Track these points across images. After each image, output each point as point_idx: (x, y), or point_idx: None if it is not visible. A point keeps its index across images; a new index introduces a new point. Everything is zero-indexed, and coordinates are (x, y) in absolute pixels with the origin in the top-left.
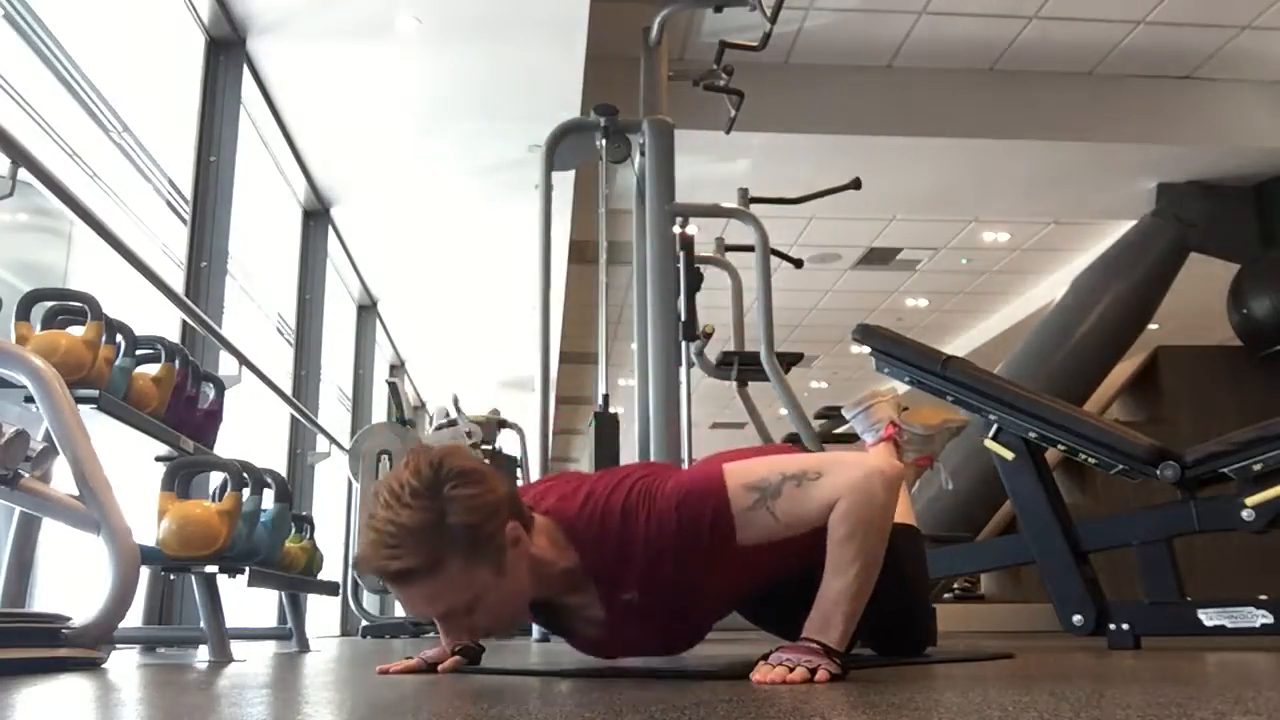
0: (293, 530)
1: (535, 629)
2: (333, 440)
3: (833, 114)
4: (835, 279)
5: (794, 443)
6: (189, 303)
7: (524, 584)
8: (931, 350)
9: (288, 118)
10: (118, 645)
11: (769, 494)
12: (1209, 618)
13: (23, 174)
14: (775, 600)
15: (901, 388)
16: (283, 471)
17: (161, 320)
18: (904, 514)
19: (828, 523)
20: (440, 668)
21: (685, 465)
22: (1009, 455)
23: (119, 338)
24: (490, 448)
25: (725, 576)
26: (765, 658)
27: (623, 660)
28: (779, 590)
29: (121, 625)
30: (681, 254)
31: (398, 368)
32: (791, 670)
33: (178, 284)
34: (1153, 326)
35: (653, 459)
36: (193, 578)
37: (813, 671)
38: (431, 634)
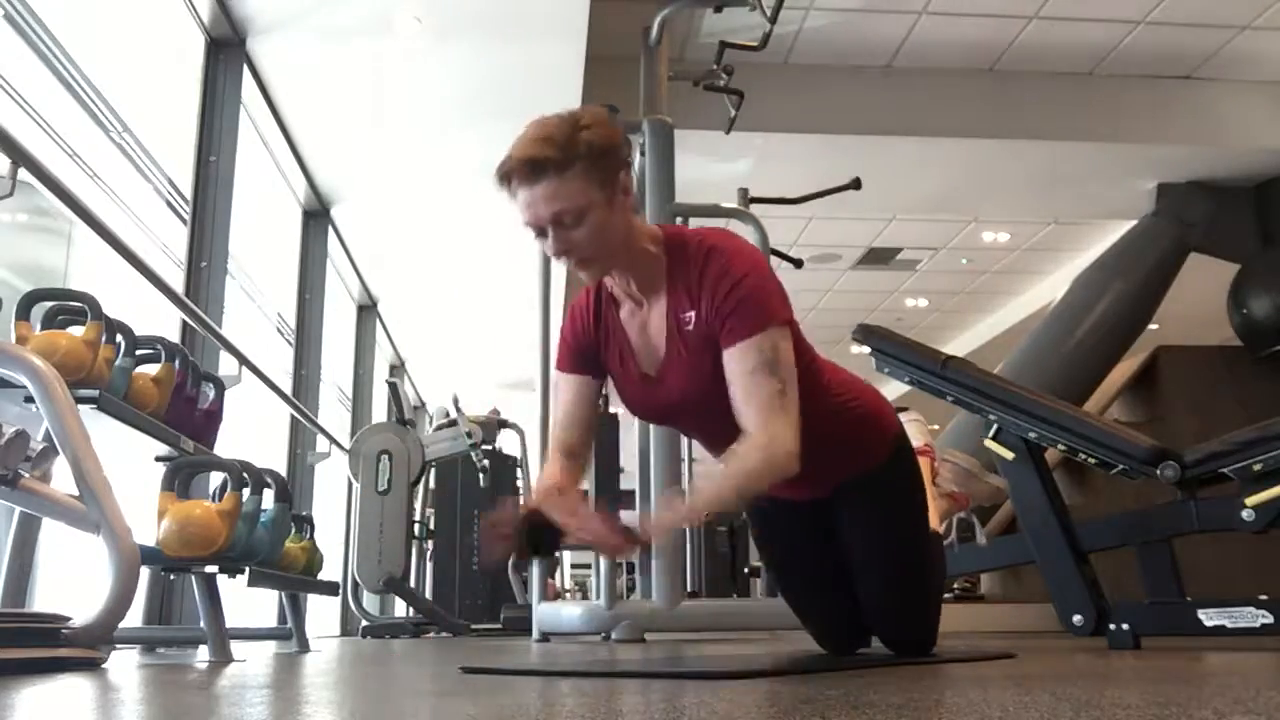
0: (293, 530)
1: (535, 629)
2: (333, 440)
3: (833, 114)
4: (835, 279)
5: None
6: (189, 303)
7: (622, 225)
8: (931, 350)
9: (288, 118)
10: (118, 645)
11: (765, 368)
12: (1209, 618)
13: (23, 174)
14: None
15: (901, 388)
16: (283, 471)
17: (161, 320)
18: (933, 522)
19: (744, 440)
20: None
21: (685, 464)
22: (1009, 455)
23: (119, 338)
24: (490, 448)
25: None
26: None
27: (622, 661)
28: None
29: (121, 625)
30: None
31: (398, 368)
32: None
33: (178, 284)
34: (1153, 326)
35: (652, 459)
36: (193, 578)
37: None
38: (431, 634)
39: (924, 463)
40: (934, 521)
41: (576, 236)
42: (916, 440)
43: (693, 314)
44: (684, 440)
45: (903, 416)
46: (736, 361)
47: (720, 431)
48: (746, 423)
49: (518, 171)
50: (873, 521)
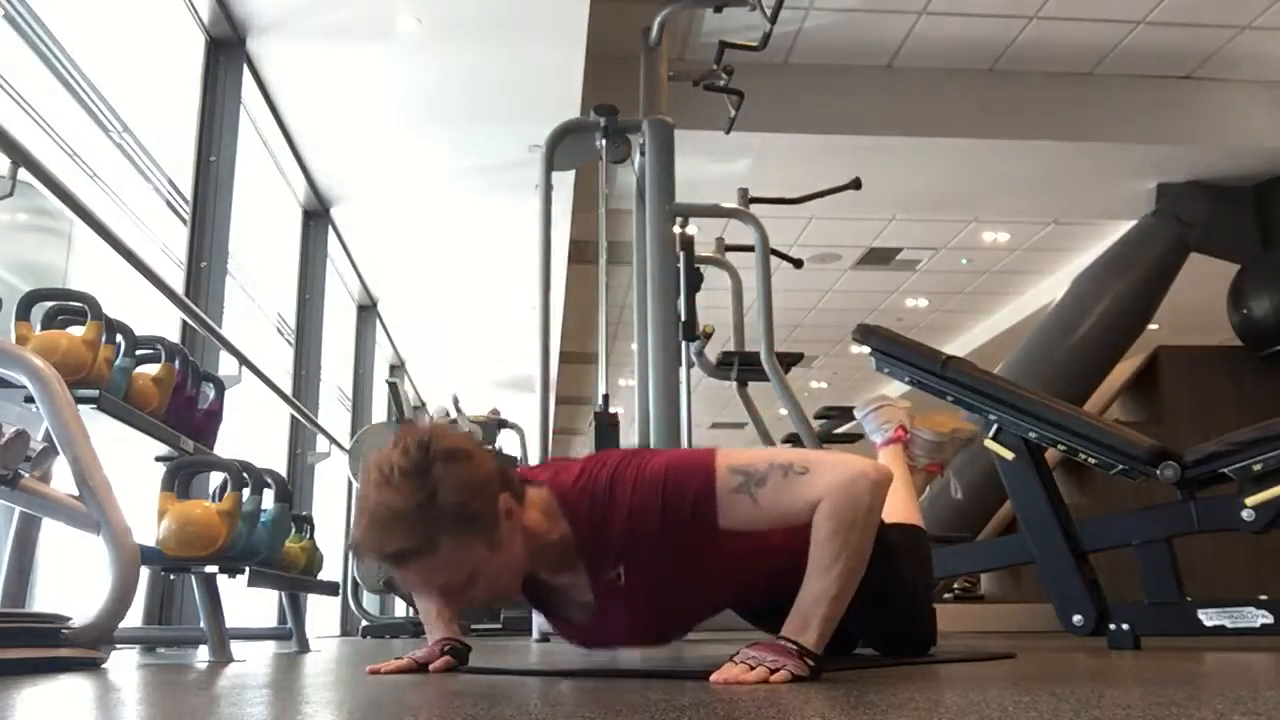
0: (293, 530)
1: (535, 629)
2: (333, 440)
3: (833, 114)
4: (835, 279)
5: (793, 443)
6: (189, 303)
7: (519, 556)
8: (931, 350)
9: (288, 118)
10: (118, 645)
11: (754, 480)
12: (1209, 618)
13: (23, 174)
14: (775, 610)
15: (902, 388)
16: (283, 471)
17: (161, 320)
18: (911, 515)
19: (811, 522)
20: (431, 668)
21: None
22: (1009, 455)
23: (119, 338)
24: (490, 448)
25: (708, 563)
26: (734, 656)
27: (621, 659)
28: (777, 600)
29: (121, 625)
30: (681, 254)
31: (398, 368)
32: (752, 669)
33: (178, 284)
34: (1153, 326)
35: None
36: (193, 578)
37: (773, 671)
38: None
39: (896, 450)
40: (912, 510)
41: (475, 593)
42: (889, 425)
43: (623, 568)
44: (684, 444)
45: (869, 405)
46: (736, 514)
47: (714, 598)
48: (803, 518)
49: (378, 560)
50: None
